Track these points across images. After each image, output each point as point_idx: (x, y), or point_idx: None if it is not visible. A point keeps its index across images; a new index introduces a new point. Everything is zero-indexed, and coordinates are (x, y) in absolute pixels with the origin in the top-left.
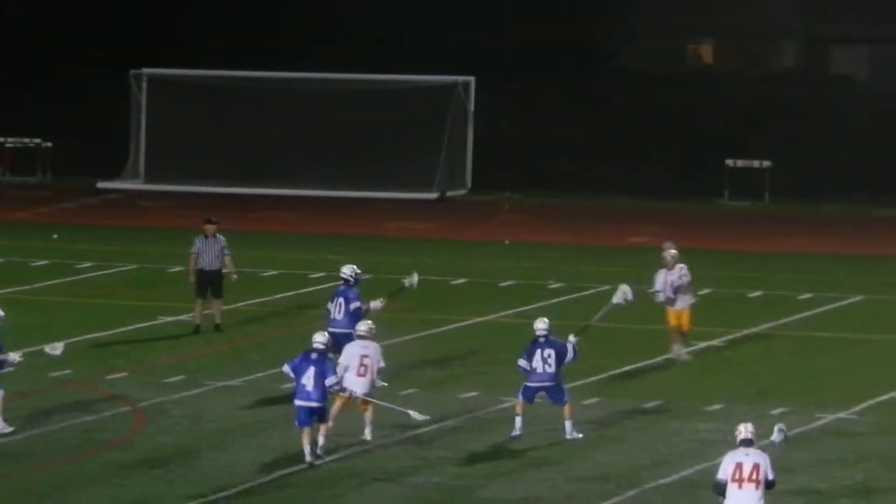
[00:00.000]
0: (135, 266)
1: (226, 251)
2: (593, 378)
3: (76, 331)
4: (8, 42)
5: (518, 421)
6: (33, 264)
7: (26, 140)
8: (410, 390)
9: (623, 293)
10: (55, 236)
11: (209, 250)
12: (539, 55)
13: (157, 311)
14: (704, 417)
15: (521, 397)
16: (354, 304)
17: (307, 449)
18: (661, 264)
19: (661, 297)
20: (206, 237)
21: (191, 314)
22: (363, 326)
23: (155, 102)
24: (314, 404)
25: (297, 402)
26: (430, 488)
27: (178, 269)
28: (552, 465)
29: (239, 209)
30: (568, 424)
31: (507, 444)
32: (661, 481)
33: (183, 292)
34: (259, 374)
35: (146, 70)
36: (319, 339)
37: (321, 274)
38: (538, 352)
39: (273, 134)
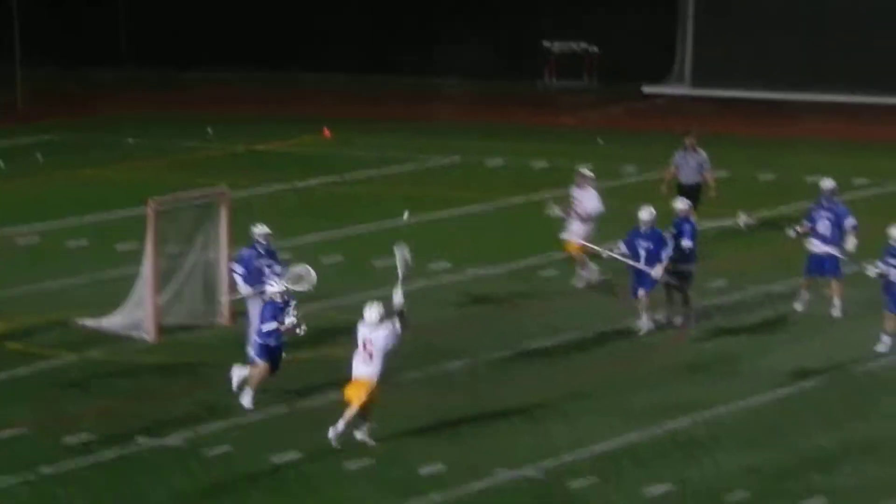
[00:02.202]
0: None
1: (705, 166)
2: None
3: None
4: None
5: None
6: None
7: (573, 44)
8: None
9: None
10: (600, 141)
11: (688, 164)
12: None
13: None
14: None
15: None
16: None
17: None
18: None
19: None
20: (686, 149)
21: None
22: None
23: (701, 5)
24: None
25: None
26: None
27: (720, 174)
28: None
29: (782, 115)
30: None
31: None
32: None
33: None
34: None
35: None
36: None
37: (864, 180)
38: None
39: (820, 38)
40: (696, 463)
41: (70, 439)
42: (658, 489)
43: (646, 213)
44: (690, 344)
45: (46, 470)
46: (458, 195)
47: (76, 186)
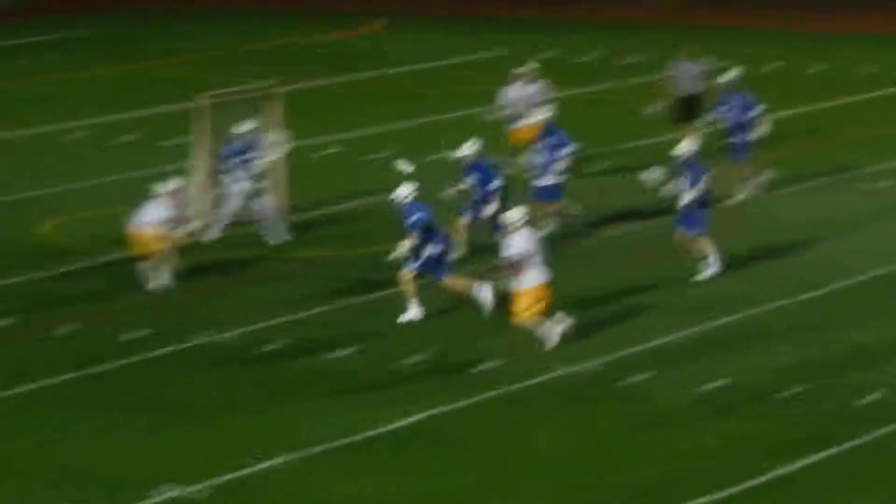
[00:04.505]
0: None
1: (703, 76)
2: None
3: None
4: None
5: None
6: (624, 63)
7: None
8: None
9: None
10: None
11: (685, 74)
12: None
13: None
14: None
15: None
16: None
17: None
18: None
19: None
20: (682, 60)
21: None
22: None
23: None
24: None
25: None
26: None
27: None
28: None
29: (823, 9)
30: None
31: None
32: None
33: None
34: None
35: None
36: None
37: None
38: None
39: None
40: (748, 359)
41: (125, 335)
42: (711, 385)
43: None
44: (738, 241)
45: (102, 366)
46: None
47: (126, 82)
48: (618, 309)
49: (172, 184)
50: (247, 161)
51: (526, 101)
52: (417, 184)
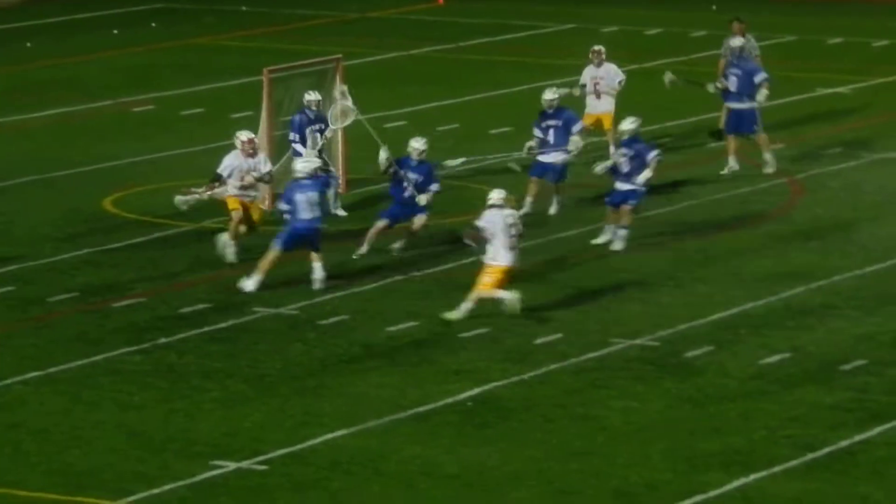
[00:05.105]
0: (792, 38)
1: (754, 52)
2: None
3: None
4: None
5: None
6: (692, 35)
7: None
8: None
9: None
10: (714, 8)
11: (733, 50)
12: None
13: (814, 83)
14: None
15: None
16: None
17: None
18: None
19: None
20: (734, 36)
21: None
22: None
23: None
24: None
25: None
26: None
27: (838, 40)
28: None
29: None
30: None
31: None
32: None
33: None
34: None
35: None
36: None
37: None
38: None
39: None
40: (810, 331)
41: (185, 308)
42: (773, 358)
43: (418, 143)
44: (804, 212)
45: (162, 339)
46: (572, 62)
47: (190, 55)
48: (675, 280)
49: (245, 134)
50: (314, 131)
51: (594, 82)
52: (315, 162)
